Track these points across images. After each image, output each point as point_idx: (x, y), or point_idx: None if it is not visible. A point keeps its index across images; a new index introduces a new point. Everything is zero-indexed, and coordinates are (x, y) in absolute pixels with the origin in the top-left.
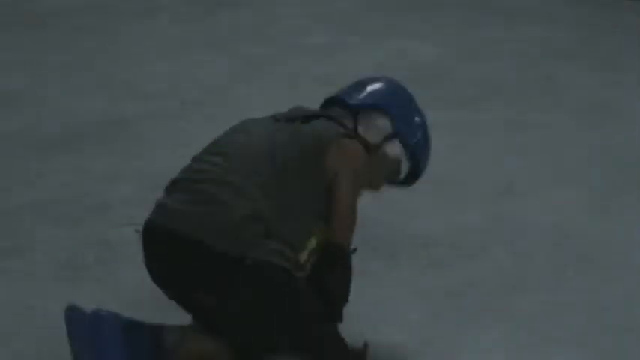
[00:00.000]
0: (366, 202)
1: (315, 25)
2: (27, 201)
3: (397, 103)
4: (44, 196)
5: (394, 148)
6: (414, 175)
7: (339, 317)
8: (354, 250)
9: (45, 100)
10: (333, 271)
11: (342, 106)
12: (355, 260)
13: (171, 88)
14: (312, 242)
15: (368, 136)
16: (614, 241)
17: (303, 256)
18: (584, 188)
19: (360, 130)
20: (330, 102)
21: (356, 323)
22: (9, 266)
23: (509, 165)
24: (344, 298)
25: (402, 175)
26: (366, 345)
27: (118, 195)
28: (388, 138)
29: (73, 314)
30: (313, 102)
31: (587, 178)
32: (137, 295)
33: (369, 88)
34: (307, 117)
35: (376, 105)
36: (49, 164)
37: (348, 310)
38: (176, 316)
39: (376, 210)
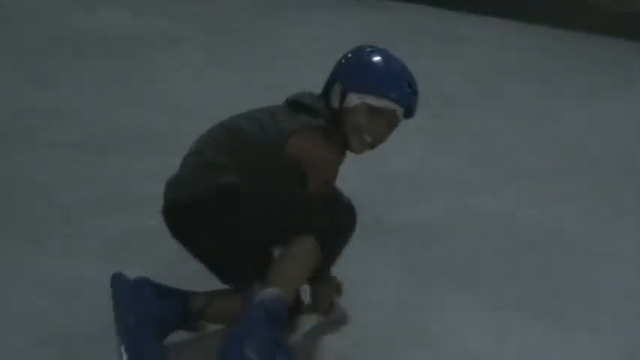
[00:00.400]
0: (351, 194)
1: (317, 53)
2: (82, 195)
3: (343, 65)
4: (96, 191)
5: (351, 99)
6: (401, 105)
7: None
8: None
9: (96, 115)
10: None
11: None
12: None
13: (198, 105)
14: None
15: (335, 106)
16: (557, 224)
17: None
18: (531, 183)
19: (333, 104)
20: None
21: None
22: (69, 248)
23: (469, 165)
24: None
25: (398, 111)
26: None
27: (159, 190)
28: (343, 96)
29: (118, 281)
30: None
31: (535, 174)
32: (174, 270)
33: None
34: (295, 106)
35: (328, 81)
36: (100, 166)
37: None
38: (205, 286)
39: (361, 202)
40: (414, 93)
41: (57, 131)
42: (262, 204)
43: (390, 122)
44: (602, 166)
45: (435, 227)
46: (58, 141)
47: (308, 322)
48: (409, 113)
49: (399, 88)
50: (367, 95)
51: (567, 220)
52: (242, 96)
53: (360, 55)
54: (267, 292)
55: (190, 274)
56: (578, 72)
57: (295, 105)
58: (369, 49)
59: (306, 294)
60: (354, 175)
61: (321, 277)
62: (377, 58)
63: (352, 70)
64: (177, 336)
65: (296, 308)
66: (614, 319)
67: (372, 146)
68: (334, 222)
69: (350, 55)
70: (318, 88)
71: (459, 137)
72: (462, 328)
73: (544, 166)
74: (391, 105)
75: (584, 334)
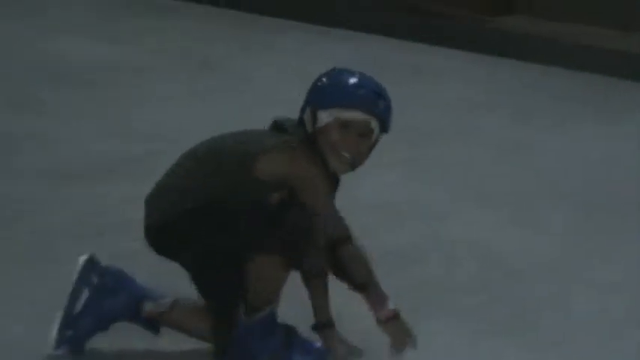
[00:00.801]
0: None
1: (285, 82)
2: (57, 220)
3: (313, 87)
4: (71, 216)
5: (322, 118)
6: (373, 114)
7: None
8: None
9: (69, 141)
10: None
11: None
12: None
13: (168, 132)
14: None
15: (309, 130)
16: (528, 249)
17: None
18: (503, 211)
19: (308, 129)
20: None
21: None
22: (45, 273)
23: (444, 193)
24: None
25: (371, 123)
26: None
27: (133, 216)
28: (314, 116)
29: (89, 264)
30: None
31: (506, 202)
32: None
33: None
34: (274, 128)
35: (302, 108)
36: (74, 192)
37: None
38: None
39: None
40: (386, 105)
41: (29, 157)
42: (231, 221)
43: (365, 135)
44: (573, 192)
45: (409, 254)
46: (31, 167)
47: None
48: (384, 126)
49: (368, 98)
50: (336, 110)
51: (540, 245)
52: (210, 122)
53: (328, 74)
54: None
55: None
56: (546, 103)
57: (274, 126)
58: (338, 70)
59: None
60: None
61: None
62: (345, 75)
63: (321, 90)
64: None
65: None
66: (589, 343)
67: (353, 165)
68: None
69: (319, 77)
70: (286, 112)
71: (433, 166)
72: (438, 355)
73: (517, 194)
74: (362, 116)
75: (560, 358)
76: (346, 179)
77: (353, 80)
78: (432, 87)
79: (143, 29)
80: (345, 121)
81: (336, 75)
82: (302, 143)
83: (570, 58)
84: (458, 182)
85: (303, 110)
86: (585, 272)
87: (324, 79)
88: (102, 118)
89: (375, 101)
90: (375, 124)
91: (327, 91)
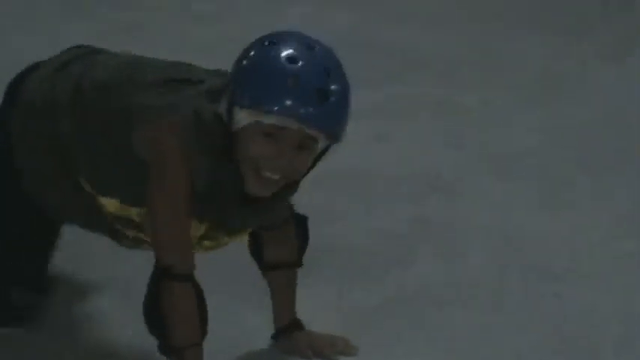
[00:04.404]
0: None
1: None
2: None
3: (234, 70)
4: None
5: (238, 119)
6: (314, 126)
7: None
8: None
9: None
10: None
11: None
12: (256, 273)
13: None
14: (113, 203)
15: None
16: (565, 244)
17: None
18: (529, 181)
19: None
20: None
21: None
22: None
23: (439, 156)
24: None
25: (316, 135)
26: None
27: None
28: (230, 112)
29: None
30: None
31: (533, 168)
32: None
33: None
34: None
35: (222, 88)
36: None
37: (252, 332)
38: None
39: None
40: (336, 105)
41: None
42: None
43: (302, 147)
44: None
45: (392, 249)
46: None
47: None
48: (332, 135)
49: (304, 97)
50: (256, 112)
51: (581, 236)
52: (94, 44)
53: (256, 49)
54: None
55: None
56: None
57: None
58: (270, 39)
59: None
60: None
61: None
62: (279, 51)
63: (240, 76)
64: None
65: None
66: None
67: (278, 186)
68: None
69: (244, 52)
70: (195, 33)
71: (426, 115)
72: None
73: (549, 157)
74: (294, 124)
75: None
76: None
77: (288, 65)
78: None
79: None
80: (269, 126)
81: (265, 52)
82: (202, 126)
83: None
84: (463, 139)
85: (220, 92)
86: None
87: (247, 58)
88: None
89: (315, 102)
90: (316, 132)
91: (246, 81)
